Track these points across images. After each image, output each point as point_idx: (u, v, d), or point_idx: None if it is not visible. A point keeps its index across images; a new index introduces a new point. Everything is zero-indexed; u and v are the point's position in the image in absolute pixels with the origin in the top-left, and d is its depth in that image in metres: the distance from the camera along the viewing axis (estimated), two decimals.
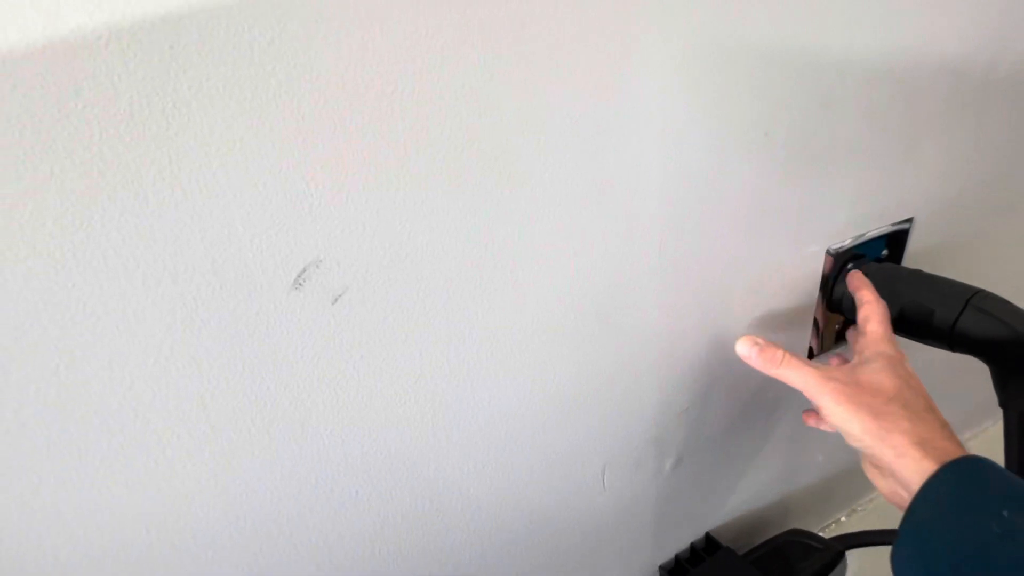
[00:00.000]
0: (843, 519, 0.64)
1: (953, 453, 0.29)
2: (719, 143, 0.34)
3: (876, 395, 0.32)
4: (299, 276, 0.26)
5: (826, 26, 0.34)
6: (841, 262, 0.44)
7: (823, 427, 0.37)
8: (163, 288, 0.23)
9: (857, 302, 0.39)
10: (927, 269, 0.42)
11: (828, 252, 0.43)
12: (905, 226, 0.46)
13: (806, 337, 0.47)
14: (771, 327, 0.44)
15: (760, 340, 0.36)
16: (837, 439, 0.56)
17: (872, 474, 0.33)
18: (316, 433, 0.30)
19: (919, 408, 0.31)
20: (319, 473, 0.31)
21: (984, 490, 0.28)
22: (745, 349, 0.36)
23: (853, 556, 0.66)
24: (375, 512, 0.33)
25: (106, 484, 0.26)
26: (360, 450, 0.31)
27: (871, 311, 0.37)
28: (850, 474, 0.61)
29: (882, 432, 0.30)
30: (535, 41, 0.27)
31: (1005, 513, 0.26)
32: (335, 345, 0.28)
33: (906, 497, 0.29)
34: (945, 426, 0.31)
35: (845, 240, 0.44)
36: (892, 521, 0.57)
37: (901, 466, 0.29)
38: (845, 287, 0.44)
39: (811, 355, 0.48)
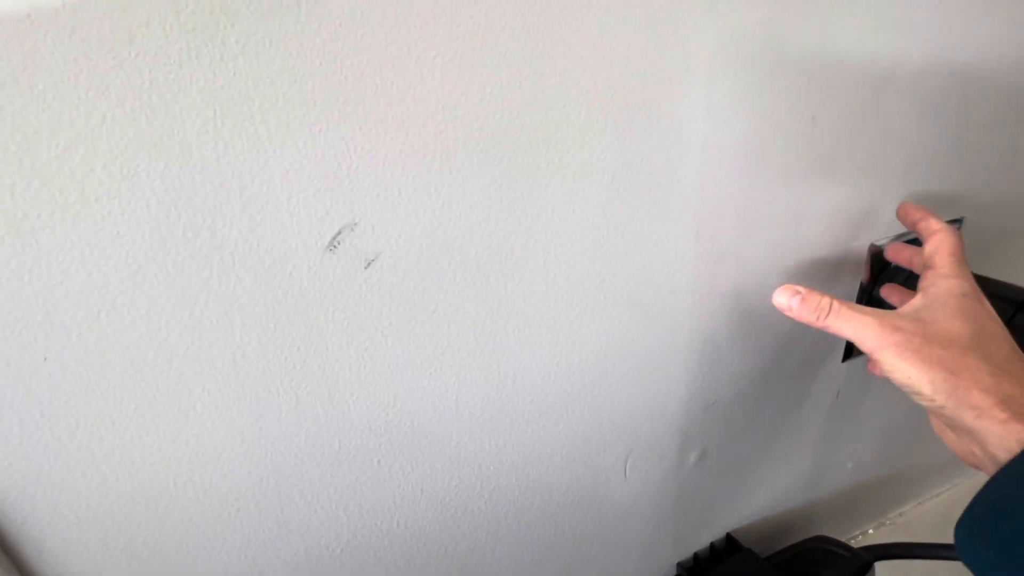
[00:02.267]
0: (871, 531, 0.62)
1: None
2: (763, 127, 0.33)
3: (949, 346, 0.27)
4: (334, 238, 0.26)
5: (881, 11, 0.33)
6: (885, 260, 0.42)
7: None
8: (201, 241, 0.24)
9: (922, 234, 0.34)
10: (976, 271, 0.40)
11: (872, 247, 0.41)
12: (955, 226, 0.44)
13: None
14: None
15: (802, 288, 0.30)
16: (868, 446, 0.54)
17: (939, 428, 0.30)
18: (342, 398, 0.30)
19: (1001, 358, 0.27)
20: (342, 439, 0.31)
21: None
22: (784, 299, 0.31)
23: (882, 574, 0.64)
24: (394, 483, 0.33)
25: (137, 433, 0.26)
26: (384, 419, 0.31)
27: (941, 240, 0.32)
28: (880, 485, 0.59)
29: (959, 391, 0.26)
30: (581, 14, 0.26)
31: None
32: (365, 310, 0.28)
33: (982, 457, 0.26)
34: None
35: (891, 236, 0.42)
36: (923, 536, 0.55)
37: (982, 428, 0.25)
38: (885, 286, 0.42)
39: (847, 356, 0.46)
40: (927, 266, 0.32)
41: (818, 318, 0.30)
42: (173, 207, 0.23)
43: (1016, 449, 0.24)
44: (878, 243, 0.41)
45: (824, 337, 0.44)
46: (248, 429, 0.28)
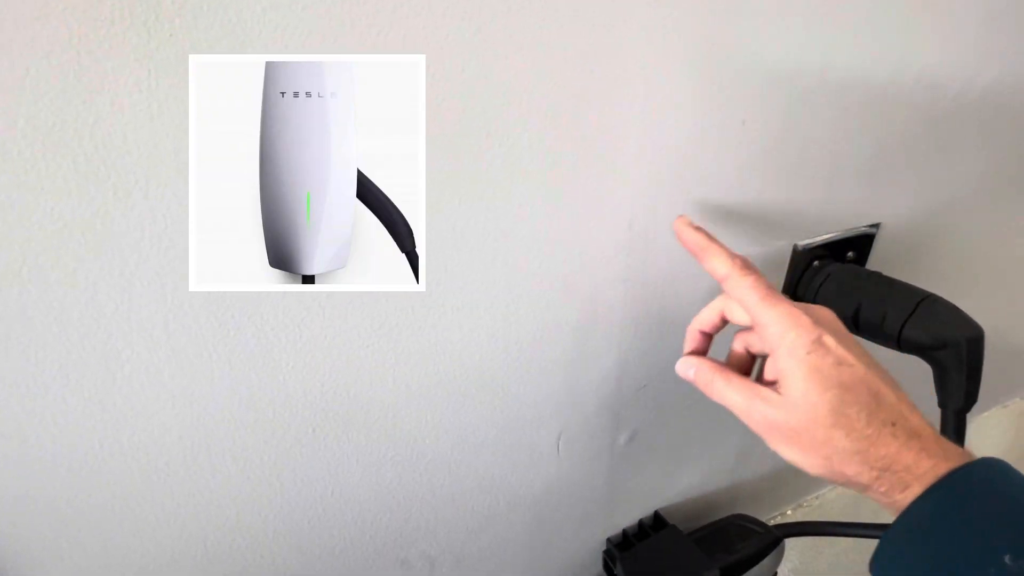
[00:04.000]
0: (789, 512, 0.66)
1: (918, 469, 0.24)
2: (696, 127, 0.35)
3: (814, 428, 0.25)
4: None
5: (809, 23, 0.35)
6: (806, 260, 0.45)
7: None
8: (133, 200, 0.24)
9: (715, 269, 0.29)
10: (889, 274, 0.44)
11: (795, 248, 0.44)
12: (872, 231, 0.48)
13: None
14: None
15: (694, 361, 0.31)
16: None
17: None
18: (277, 366, 0.30)
19: (863, 423, 0.25)
20: (277, 406, 0.31)
21: (982, 524, 0.22)
22: (682, 369, 0.32)
23: (795, 550, 0.69)
24: (330, 452, 0.34)
25: (61, 393, 0.26)
26: (320, 389, 0.32)
27: (741, 294, 0.28)
28: (799, 470, 0.63)
29: (836, 473, 0.26)
30: (524, 13, 0.27)
31: (1007, 558, 0.21)
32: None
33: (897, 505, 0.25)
34: (896, 421, 0.25)
35: (813, 238, 0.45)
36: (836, 516, 0.60)
37: (871, 497, 0.26)
38: (808, 286, 0.46)
39: None
40: (755, 321, 0.28)
41: (706, 389, 0.30)
42: (103, 165, 0.23)
43: (894, 517, 0.25)
44: (801, 244, 0.44)
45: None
46: (180, 394, 0.29)
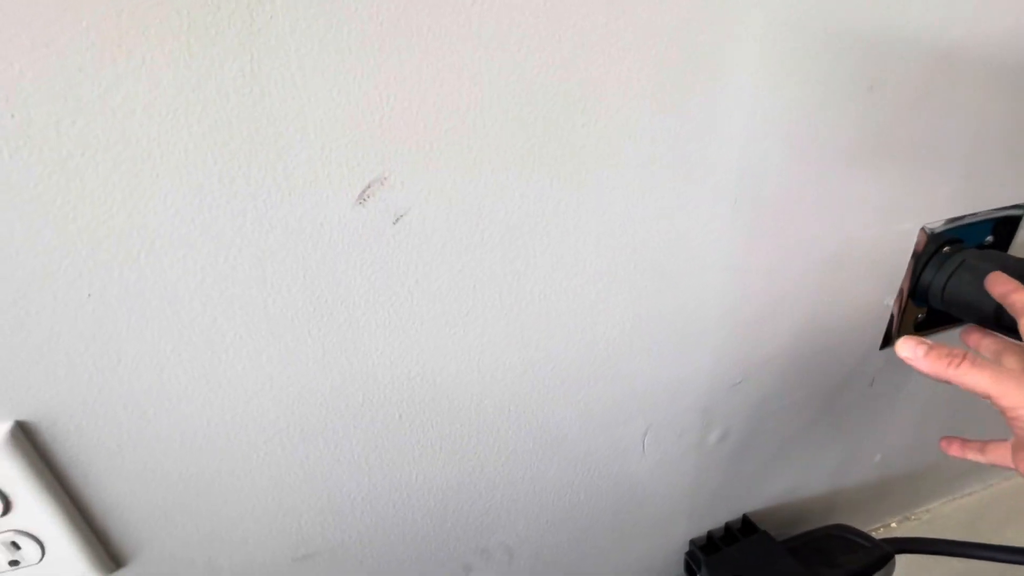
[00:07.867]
0: (894, 525, 0.60)
1: None
2: (814, 94, 0.31)
3: None
4: (364, 191, 0.26)
5: None
6: (936, 244, 0.40)
7: (977, 459, 0.32)
8: (236, 187, 0.24)
9: (1011, 309, 0.32)
10: None
11: (923, 231, 0.39)
12: (1018, 212, 0.41)
13: (882, 324, 0.43)
14: (846, 307, 0.40)
15: (927, 341, 0.29)
16: (899, 438, 0.53)
17: None
18: (367, 351, 0.30)
19: None
20: (366, 391, 0.31)
21: None
22: (908, 351, 0.29)
23: (898, 568, 0.62)
24: (415, 438, 0.34)
25: (174, 372, 0.27)
26: (407, 374, 0.32)
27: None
28: (909, 479, 0.57)
29: None
30: None
31: None
32: (392, 266, 0.28)
33: None
34: None
35: (944, 220, 0.39)
36: (949, 533, 0.53)
37: None
38: (935, 274, 0.40)
39: (885, 345, 0.44)
40: None
41: (949, 365, 0.28)
42: (209, 152, 0.23)
43: None
44: (930, 227, 0.39)
45: (861, 323, 0.42)
46: (277, 376, 0.29)
